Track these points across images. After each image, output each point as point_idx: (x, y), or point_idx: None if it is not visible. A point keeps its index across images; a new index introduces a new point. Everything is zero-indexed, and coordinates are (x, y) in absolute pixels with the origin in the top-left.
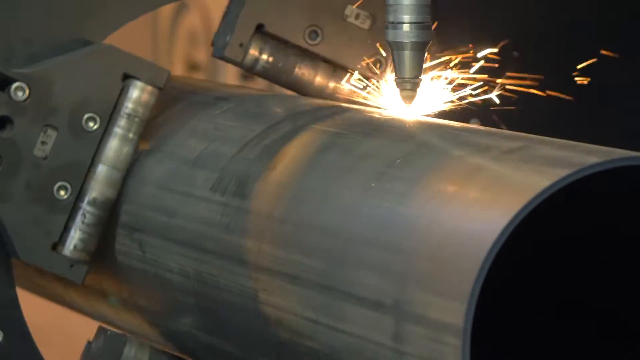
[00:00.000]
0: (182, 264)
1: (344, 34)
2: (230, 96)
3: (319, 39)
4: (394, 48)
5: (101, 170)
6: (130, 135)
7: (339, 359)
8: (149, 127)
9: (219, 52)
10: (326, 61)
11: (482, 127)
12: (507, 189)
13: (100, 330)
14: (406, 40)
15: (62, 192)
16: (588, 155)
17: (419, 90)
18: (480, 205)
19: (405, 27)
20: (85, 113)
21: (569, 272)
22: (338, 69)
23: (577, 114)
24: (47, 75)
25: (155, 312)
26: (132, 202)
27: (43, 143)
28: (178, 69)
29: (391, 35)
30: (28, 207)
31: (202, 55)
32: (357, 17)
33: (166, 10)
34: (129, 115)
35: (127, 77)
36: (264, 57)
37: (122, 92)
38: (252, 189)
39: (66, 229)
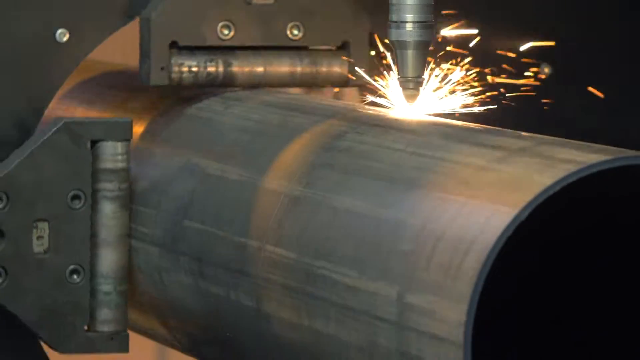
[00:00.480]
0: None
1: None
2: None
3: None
4: (397, 47)
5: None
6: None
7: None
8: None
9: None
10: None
11: (488, 127)
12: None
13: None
14: (409, 39)
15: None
16: (594, 154)
17: (421, 89)
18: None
19: (409, 27)
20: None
21: (569, 273)
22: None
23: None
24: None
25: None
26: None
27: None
28: None
29: (394, 34)
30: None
31: None
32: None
33: None
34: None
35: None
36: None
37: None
38: None
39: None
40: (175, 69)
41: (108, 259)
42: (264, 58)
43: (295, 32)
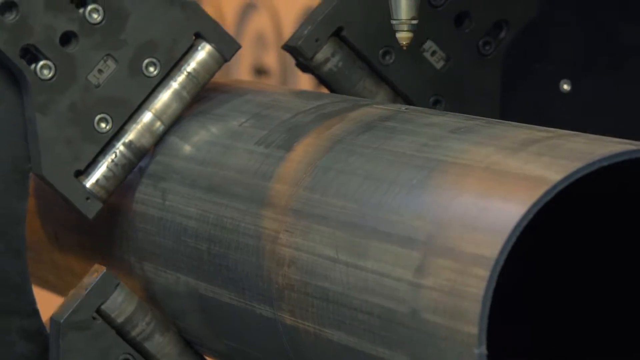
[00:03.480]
0: (203, 209)
1: (415, 65)
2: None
3: (390, 61)
4: None
5: (146, 117)
6: (185, 93)
7: (349, 296)
8: (204, 93)
9: (293, 41)
10: (390, 84)
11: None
12: (565, 154)
13: (95, 268)
14: None
15: (102, 124)
16: (609, 147)
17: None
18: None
19: None
20: (149, 56)
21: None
22: (399, 97)
23: None
24: (126, 7)
25: (159, 261)
26: (165, 155)
27: (100, 71)
28: (243, 73)
29: None
30: (66, 127)
31: (271, 59)
32: (433, 53)
33: (232, 9)
34: (189, 73)
35: (198, 37)
36: (334, 60)
37: (190, 50)
38: (300, 143)
39: (94, 162)
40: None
41: (136, 133)
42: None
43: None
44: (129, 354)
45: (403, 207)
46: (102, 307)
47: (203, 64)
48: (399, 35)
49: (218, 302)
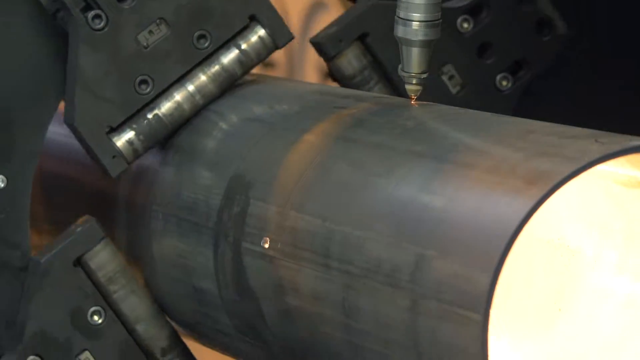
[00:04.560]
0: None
1: (431, 84)
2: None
3: (149, 87)
4: (403, 43)
5: (188, 88)
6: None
7: None
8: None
9: (318, 38)
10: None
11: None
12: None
13: (87, 218)
14: (415, 38)
15: (143, 86)
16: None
17: (424, 84)
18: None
19: (415, 25)
20: (202, 28)
21: None
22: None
23: None
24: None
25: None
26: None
27: (150, 32)
28: (312, 76)
29: (401, 31)
30: (105, 81)
31: (278, 52)
32: (450, 77)
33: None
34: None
35: (254, 20)
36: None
37: (243, 30)
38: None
39: (128, 121)
40: (125, 147)
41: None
42: (191, 81)
43: (203, 41)
44: (101, 307)
45: None
46: (85, 256)
47: (253, 47)
48: (408, 87)
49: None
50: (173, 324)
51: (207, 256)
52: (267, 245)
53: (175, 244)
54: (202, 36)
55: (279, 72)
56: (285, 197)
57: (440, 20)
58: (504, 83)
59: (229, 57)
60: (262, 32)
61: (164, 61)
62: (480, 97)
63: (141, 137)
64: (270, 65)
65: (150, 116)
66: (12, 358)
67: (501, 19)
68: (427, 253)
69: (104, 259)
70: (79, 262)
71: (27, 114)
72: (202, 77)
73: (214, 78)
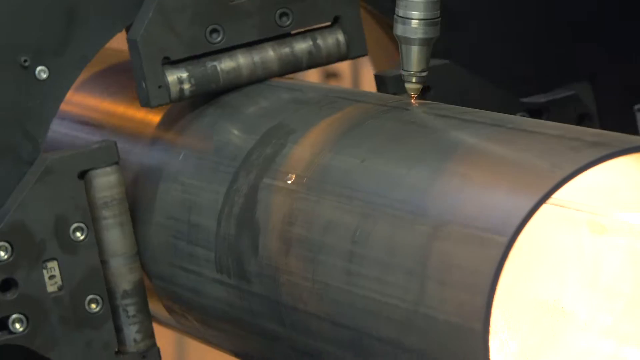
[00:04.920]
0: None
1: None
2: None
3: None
4: (402, 42)
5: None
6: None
7: None
8: (133, 197)
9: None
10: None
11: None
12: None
13: (109, 141)
14: (414, 36)
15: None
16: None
17: (423, 83)
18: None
19: (414, 24)
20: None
21: None
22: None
23: None
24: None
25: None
26: (158, 278)
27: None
28: (312, 75)
29: (400, 29)
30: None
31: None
32: None
33: None
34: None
35: (336, 21)
36: (186, 81)
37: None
38: (250, 272)
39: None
40: (174, 83)
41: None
42: (258, 52)
43: (285, 19)
44: (86, 225)
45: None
46: (91, 172)
47: (327, 46)
48: (407, 86)
49: None
50: (146, 281)
51: (218, 192)
52: (290, 182)
53: (186, 181)
54: (285, 14)
55: (343, 83)
56: (324, 142)
57: (439, 19)
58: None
59: (302, 45)
60: (340, 36)
61: (242, 21)
62: None
63: (192, 80)
64: (334, 75)
65: (209, 65)
66: None
67: None
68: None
69: (108, 182)
70: (83, 176)
71: (92, 21)
72: (270, 53)
73: (280, 58)
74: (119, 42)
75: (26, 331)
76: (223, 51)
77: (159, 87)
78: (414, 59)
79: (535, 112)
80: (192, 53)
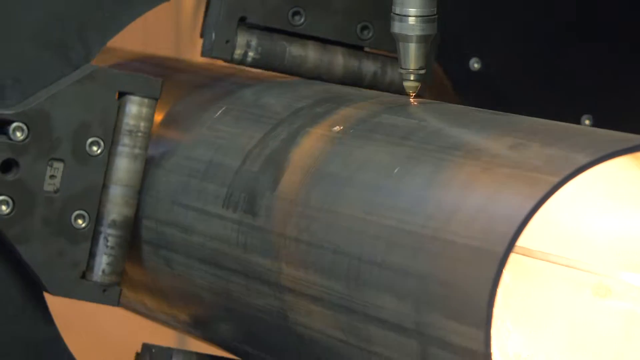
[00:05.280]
0: (209, 281)
1: (325, 8)
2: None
3: (302, 20)
4: (400, 40)
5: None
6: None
7: None
8: (155, 138)
9: (207, 53)
10: (314, 39)
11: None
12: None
13: (145, 347)
14: (411, 33)
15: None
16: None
17: (422, 81)
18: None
19: (411, 20)
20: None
21: None
22: (327, 44)
23: None
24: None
25: (195, 324)
26: (150, 218)
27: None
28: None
29: (397, 27)
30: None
31: None
32: None
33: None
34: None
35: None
36: (253, 47)
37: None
38: (261, 206)
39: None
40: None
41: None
42: (329, 52)
43: (365, 33)
44: (103, 142)
45: (383, 287)
46: (128, 96)
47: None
48: (406, 84)
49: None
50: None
51: (253, 137)
52: (337, 129)
53: (220, 128)
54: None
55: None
56: (379, 105)
57: (437, 16)
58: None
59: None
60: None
61: (326, 14)
62: None
63: (259, 50)
64: None
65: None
66: (7, 113)
67: None
68: None
69: (140, 113)
70: (120, 97)
71: None
72: (339, 58)
73: (345, 66)
74: (116, 42)
75: (8, 216)
76: (298, 36)
77: (227, 41)
78: (411, 56)
79: None
80: (270, 25)
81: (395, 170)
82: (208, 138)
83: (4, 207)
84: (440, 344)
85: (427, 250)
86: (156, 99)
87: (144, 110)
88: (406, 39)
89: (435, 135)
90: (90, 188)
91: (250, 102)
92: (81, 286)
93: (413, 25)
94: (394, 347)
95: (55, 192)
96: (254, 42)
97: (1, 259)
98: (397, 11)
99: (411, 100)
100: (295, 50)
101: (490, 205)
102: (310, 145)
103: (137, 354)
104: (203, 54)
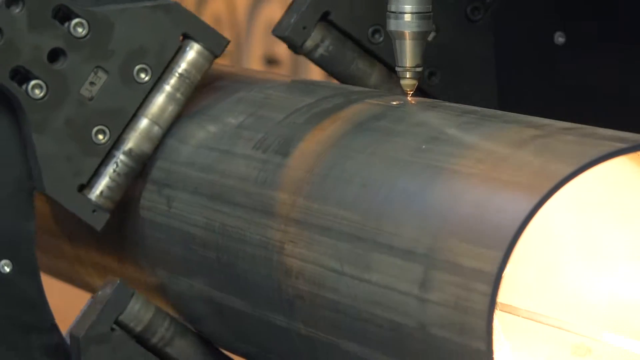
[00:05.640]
0: (208, 217)
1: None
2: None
3: (381, 39)
4: (396, 37)
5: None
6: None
7: (359, 309)
8: (197, 92)
9: (281, 31)
10: (383, 63)
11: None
12: (558, 156)
13: (109, 280)
14: (407, 30)
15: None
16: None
17: (419, 78)
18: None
19: (407, 17)
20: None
21: None
22: (394, 73)
23: None
24: (110, 17)
25: (171, 268)
26: (166, 159)
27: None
28: (254, 63)
29: (393, 24)
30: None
31: (282, 49)
32: None
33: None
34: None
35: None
36: (325, 45)
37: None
38: (296, 148)
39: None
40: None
41: (136, 142)
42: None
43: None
44: (152, 73)
45: (402, 218)
46: (120, 318)
47: (194, 64)
48: (403, 82)
49: (233, 309)
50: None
51: (302, 100)
52: (395, 103)
53: (271, 93)
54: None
55: (284, 70)
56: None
57: (432, 13)
58: (476, 13)
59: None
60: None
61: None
62: (456, 35)
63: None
64: (275, 62)
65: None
66: (77, 7)
67: None
68: None
69: (196, 62)
70: (117, 324)
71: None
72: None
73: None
74: None
75: (38, 100)
76: (370, 53)
77: (304, 27)
78: (407, 54)
79: None
80: (349, 31)
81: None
82: (255, 98)
83: (37, 91)
84: (448, 266)
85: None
86: (216, 56)
87: (201, 61)
88: (402, 36)
89: None
90: (122, 110)
91: (307, 83)
92: (75, 197)
93: (408, 22)
94: (394, 273)
95: (90, 99)
96: (327, 40)
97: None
98: (393, 9)
99: (409, 98)
100: (362, 65)
101: None
102: (363, 107)
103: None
104: (275, 32)
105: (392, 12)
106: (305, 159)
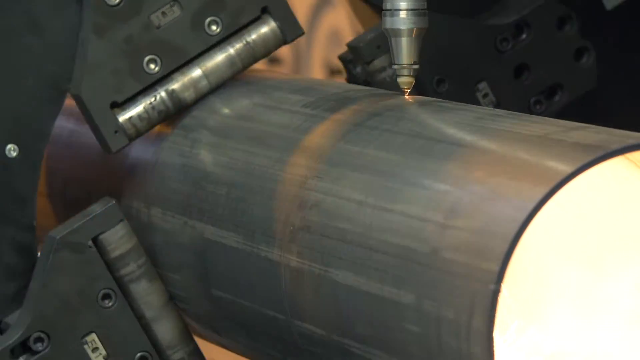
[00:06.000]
0: (232, 157)
1: (465, 100)
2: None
3: (444, 89)
4: (392, 35)
5: (195, 72)
6: (238, 60)
7: (368, 237)
8: (253, 70)
9: (356, 42)
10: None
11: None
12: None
13: (107, 199)
14: (403, 27)
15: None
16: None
17: (415, 76)
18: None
19: (402, 14)
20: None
21: None
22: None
23: None
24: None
25: (173, 205)
26: (203, 110)
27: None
28: (318, 73)
29: (388, 22)
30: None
31: (285, 47)
32: (485, 95)
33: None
34: (247, 43)
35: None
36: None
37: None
38: (348, 108)
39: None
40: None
41: (180, 87)
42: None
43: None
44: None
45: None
46: (101, 236)
47: (263, 38)
48: (400, 79)
49: (222, 246)
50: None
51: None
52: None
53: (327, 82)
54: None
55: (285, 68)
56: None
57: (427, 10)
58: (538, 107)
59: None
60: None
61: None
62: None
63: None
64: (276, 61)
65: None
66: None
67: (541, 41)
68: None
69: (266, 37)
70: (95, 242)
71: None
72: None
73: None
74: None
75: (110, 6)
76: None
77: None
78: (404, 51)
79: (516, 28)
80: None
81: None
82: (306, 83)
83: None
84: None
85: None
86: (286, 41)
87: (270, 39)
88: (398, 33)
89: None
90: (181, 50)
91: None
92: (105, 110)
93: (404, 19)
94: (421, 202)
95: (157, 27)
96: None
97: None
98: (388, 7)
99: (406, 97)
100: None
101: None
102: (371, 100)
103: None
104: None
105: (388, 9)
106: (356, 115)
